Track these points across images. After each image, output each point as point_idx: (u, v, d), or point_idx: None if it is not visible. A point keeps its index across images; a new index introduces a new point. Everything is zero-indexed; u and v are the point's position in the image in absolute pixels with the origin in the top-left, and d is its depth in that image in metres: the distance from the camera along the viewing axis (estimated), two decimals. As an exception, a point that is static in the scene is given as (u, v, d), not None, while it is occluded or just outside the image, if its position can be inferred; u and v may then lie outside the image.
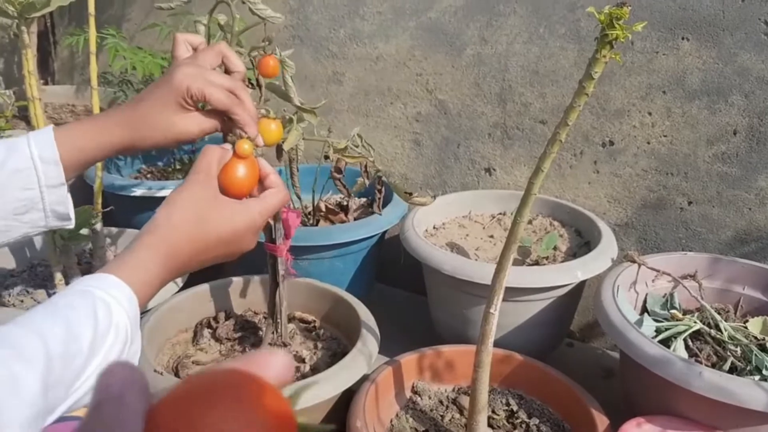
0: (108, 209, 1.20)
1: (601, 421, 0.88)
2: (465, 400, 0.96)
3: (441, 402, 1.00)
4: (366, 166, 0.94)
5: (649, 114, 1.21)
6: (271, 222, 0.91)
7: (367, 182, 0.95)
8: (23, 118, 1.72)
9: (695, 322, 0.98)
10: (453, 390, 1.02)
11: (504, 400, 0.99)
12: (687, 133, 1.19)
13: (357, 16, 1.47)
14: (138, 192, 1.37)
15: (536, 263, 1.17)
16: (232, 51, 0.67)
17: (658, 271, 1.08)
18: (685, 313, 1.04)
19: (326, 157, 0.91)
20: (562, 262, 1.15)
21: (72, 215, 0.64)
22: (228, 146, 0.63)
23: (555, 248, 1.20)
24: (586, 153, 1.29)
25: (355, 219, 1.34)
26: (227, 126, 0.65)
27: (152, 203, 1.39)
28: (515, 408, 0.97)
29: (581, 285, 1.10)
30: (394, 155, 1.52)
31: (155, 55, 1.50)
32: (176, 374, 0.98)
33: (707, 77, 1.15)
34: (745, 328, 0.98)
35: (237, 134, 0.64)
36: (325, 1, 1.50)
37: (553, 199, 1.32)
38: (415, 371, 1.02)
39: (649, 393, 0.91)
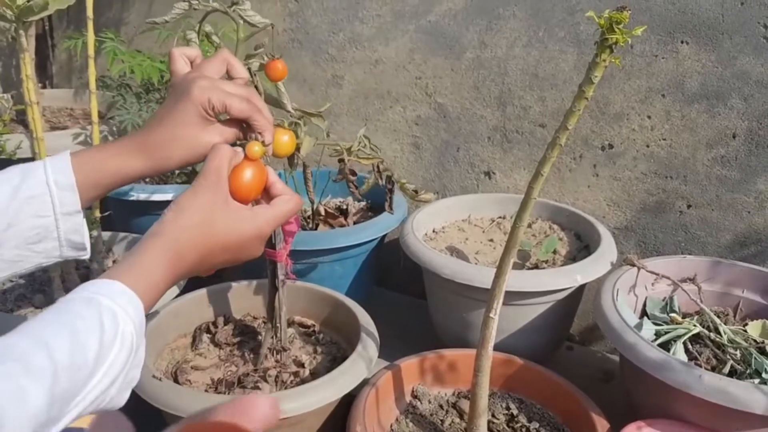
0: (107, 213, 1.20)
1: (602, 424, 0.88)
2: (465, 404, 0.96)
3: (441, 406, 0.99)
4: (378, 167, 0.95)
5: (649, 117, 1.22)
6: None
7: (380, 182, 0.95)
8: (21, 122, 1.72)
9: (695, 326, 0.98)
10: (453, 394, 1.02)
11: (504, 404, 0.99)
12: (686, 136, 1.19)
13: (356, 20, 1.47)
14: (137, 196, 1.36)
15: (536, 267, 1.17)
16: (235, 58, 0.68)
17: (657, 274, 1.08)
18: (684, 316, 1.04)
19: (341, 160, 0.92)
20: (562, 265, 1.15)
21: (88, 245, 0.63)
22: (239, 149, 0.63)
23: (554, 252, 1.20)
24: (586, 156, 1.29)
25: (354, 223, 1.34)
26: (244, 133, 0.65)
27: (151, 207, 1.39)
28: (515, 412, 0.97)
29: (581, 288, 1.10)
30: (393, 159, 1.52)
31: (153, 58, 1.50)
32: (175, 380, 0.97)
33: (706, 81, 1.15)
34: (745, 331, 0.98)
35: (250, 137, 0.64)
36: (325, 4, 1.50)
37: (553, 202, 1.32)
38: (415, 375, 1.01)
39: (649, 396, 0.91)
